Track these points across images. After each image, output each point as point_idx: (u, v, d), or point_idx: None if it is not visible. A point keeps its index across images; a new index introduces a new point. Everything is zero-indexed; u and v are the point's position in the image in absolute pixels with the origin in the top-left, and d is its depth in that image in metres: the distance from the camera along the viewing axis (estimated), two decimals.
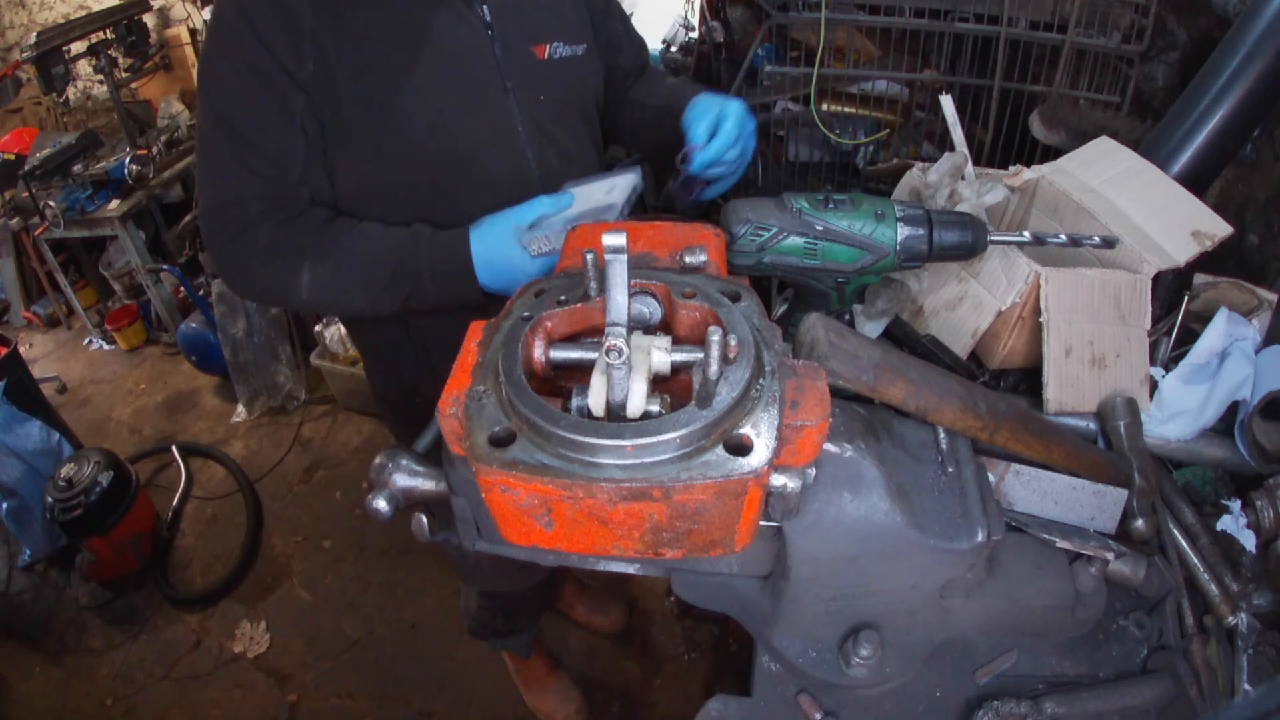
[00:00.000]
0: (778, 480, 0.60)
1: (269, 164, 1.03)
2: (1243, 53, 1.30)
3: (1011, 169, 1.30)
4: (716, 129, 1.11)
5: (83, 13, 4.41)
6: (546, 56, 1.17)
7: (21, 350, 3.06)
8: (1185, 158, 1.35)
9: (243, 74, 1.00)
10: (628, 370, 0.59)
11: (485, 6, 1.11)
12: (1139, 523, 0.95)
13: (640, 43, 1.42)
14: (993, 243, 1.04)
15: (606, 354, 0.57)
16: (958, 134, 1.47)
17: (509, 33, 1.12)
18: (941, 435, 0.82)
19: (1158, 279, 1.11)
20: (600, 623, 2.21)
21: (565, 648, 2.23)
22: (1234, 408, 1.06)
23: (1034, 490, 0.92)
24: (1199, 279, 1.21)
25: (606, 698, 2.10)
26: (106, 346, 3.80)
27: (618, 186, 1.10)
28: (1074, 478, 0.91)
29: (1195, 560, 0.98)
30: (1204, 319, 1.11)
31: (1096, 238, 1.06)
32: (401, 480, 0.75)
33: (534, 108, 1.16)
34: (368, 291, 1.06)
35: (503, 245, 1.01)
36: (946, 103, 1.53)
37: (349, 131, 1.04)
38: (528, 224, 1.02)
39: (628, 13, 1.45)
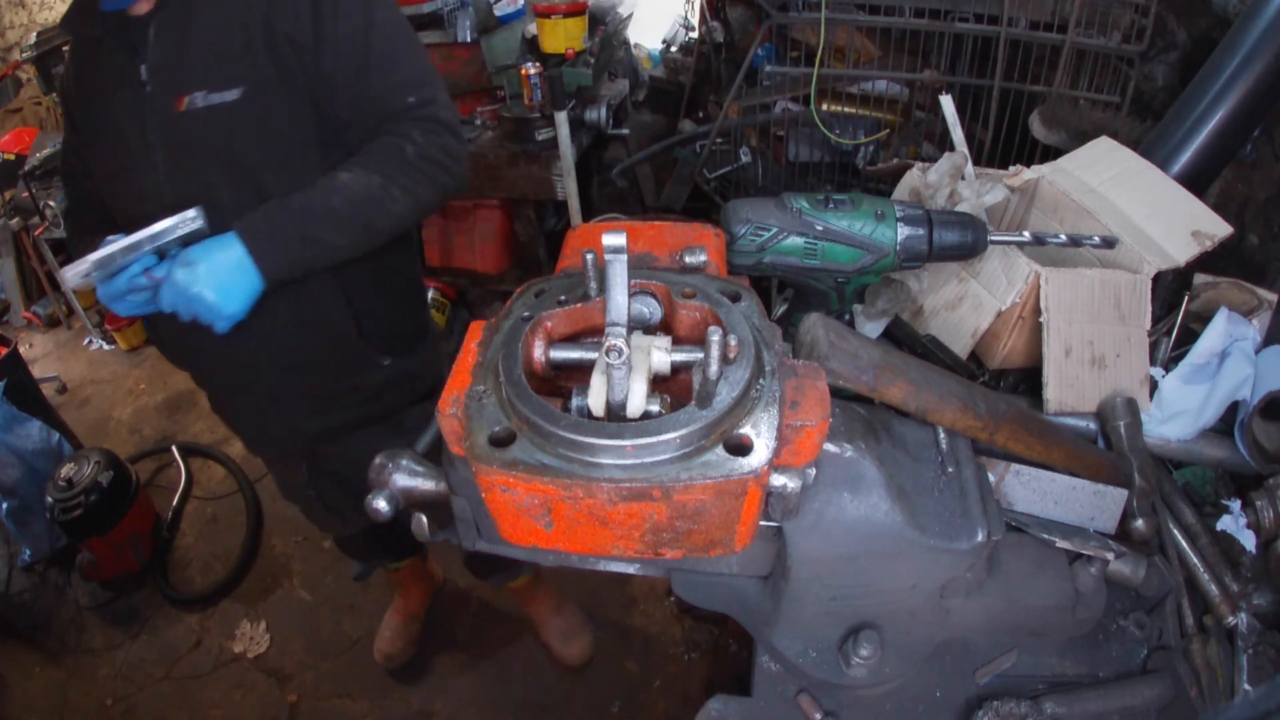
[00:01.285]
0: (778, 480, 0.60)
1: (77, 181, 1.30)
2: (1243, 53, 1.30)
3: (1011, 169, 1.30)
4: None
5: None
6: (185, 108, 1.11)
7: (21, 350, 3.06)
8: (1185, 158, 1.35)
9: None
10: (628, 370, 0.59)
11: (144, 66, 1.12)
12: (1139, 523, 0.95)
13: (384, 96, 1.16)
14: (993, 243, 1.04)
15: (606, 354, 0.57)
16: (958, 134, 1.47)
17: (160, 88, 1.12)
18: (941, 435, 0.82)
19: (1158, 279, 1.11)
20: (561, 654, 2.12)
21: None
22: (1234, 408, 1.06)
23: (1034, 490, 0.92)
24: (1199, 279, 1.21)
25: (606, 698, 2.10)
26: (106, 346, 3.80)
27: (145, 231, 1.06)
28: (1074, 478, 0.91)
29: (1195, 560, 0.98)
30: (1204, 319, 1.11)
31: (1096, 238, 1.06)
32: (401, 480, 0.75)
33: (178, 162, 1.15)
34: None
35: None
36: (946, 103, 1.53)
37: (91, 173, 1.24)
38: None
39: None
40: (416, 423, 1.39)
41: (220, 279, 1.05)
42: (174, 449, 3.02)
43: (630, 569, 0.84)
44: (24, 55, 3.29)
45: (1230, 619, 0.93)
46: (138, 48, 1.13)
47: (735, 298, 0.71)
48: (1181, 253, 1.12)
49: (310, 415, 1.38)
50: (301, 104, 1.14)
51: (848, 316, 1.09)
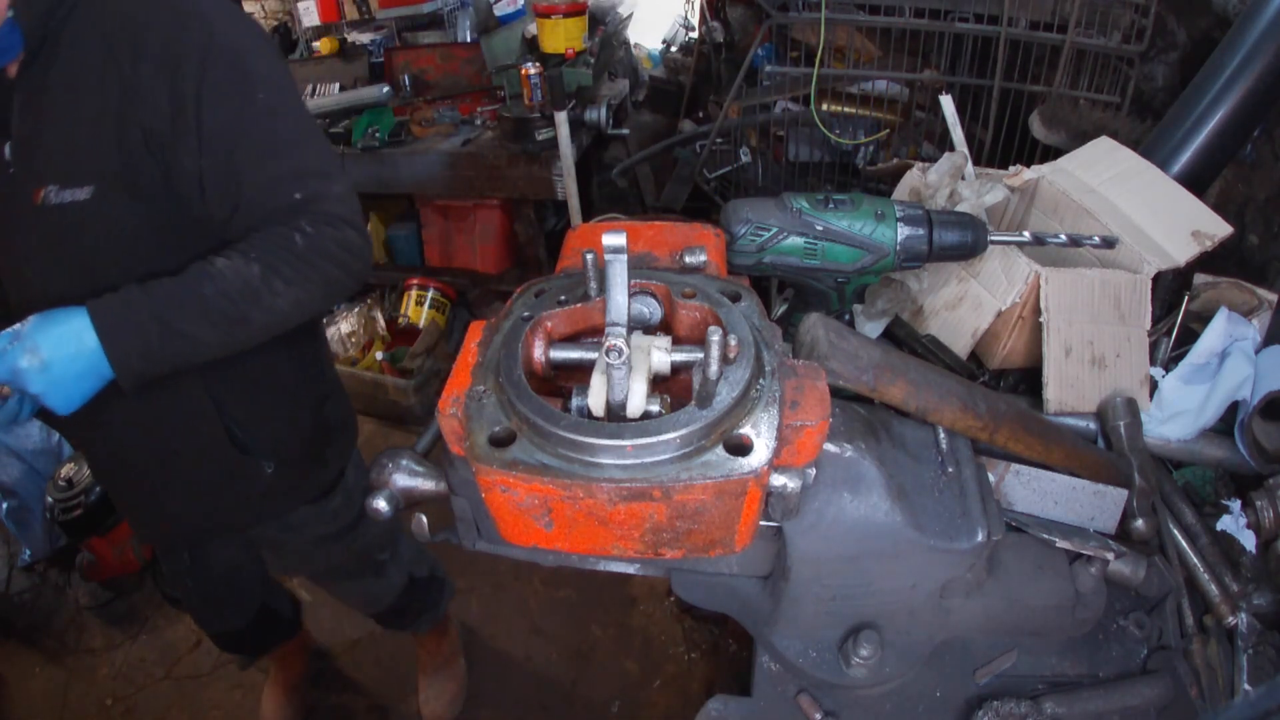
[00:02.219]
0: (778, 480, 0.60)
1: None
2: (1243, 53, 1.30)
3: (1011, 169, 1.30)
4: None
5: None
6: (40, 202, 0.97)
7: None
8: (1185, 158, 1.35)
9: None
10: (628, 370, 0.59)
11: (9, 144, 0.99)
12: (1139, 523, 0.95)
13: (263, 191, 1.00)
14: (993, 243, 1.04)
15: (606, 354, 0.57)
16: (958, 134, 1.47)
17: (20, 172, 0.99)
18: (941, 435, 0.82)
19: (1158, 279, 1.11)
20: (420, 707, 2.05)
21: (565, 646, 2.23)
22: (1234, 408, 1.06)
23: (1034, 490, 0.92)
24: (1199, 279, 1.21)
25: (606, 698, 2.10)
26: None
27: None
28: (1074, 478, 0.91)
29: (1195, 560, 0.98)
30: (1204, 319, 1.11)
31: (1096, 238, 1.06)
32: (401, 480, 0.76)
33: (30, 255, 1.03)
34: None
35: None
36: (946, 103, 1.53)
37: None
38: None
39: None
40: (299, 519, 1.33)
41: (61, 373, 0.92)
42: None
43: (630, 569, 0.84)
44: None
45: (1230, 619, 0.93)
46: (7, 119, 0.99)
47: (735, 298, 0.71)
48: (1181, 253, 1.12)
49: (185, 511, 1.26)
50: (159, 207, 1.01)
51: (848, 316, 1.09)
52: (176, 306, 0.95)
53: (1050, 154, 1.64)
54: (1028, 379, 1.17)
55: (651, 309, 0.72)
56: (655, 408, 0.60)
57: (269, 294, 0.98)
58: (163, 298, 0.96)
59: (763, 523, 0.71)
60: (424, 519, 0.80)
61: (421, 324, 3.06)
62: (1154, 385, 1.08)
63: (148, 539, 1.38)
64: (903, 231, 0.98)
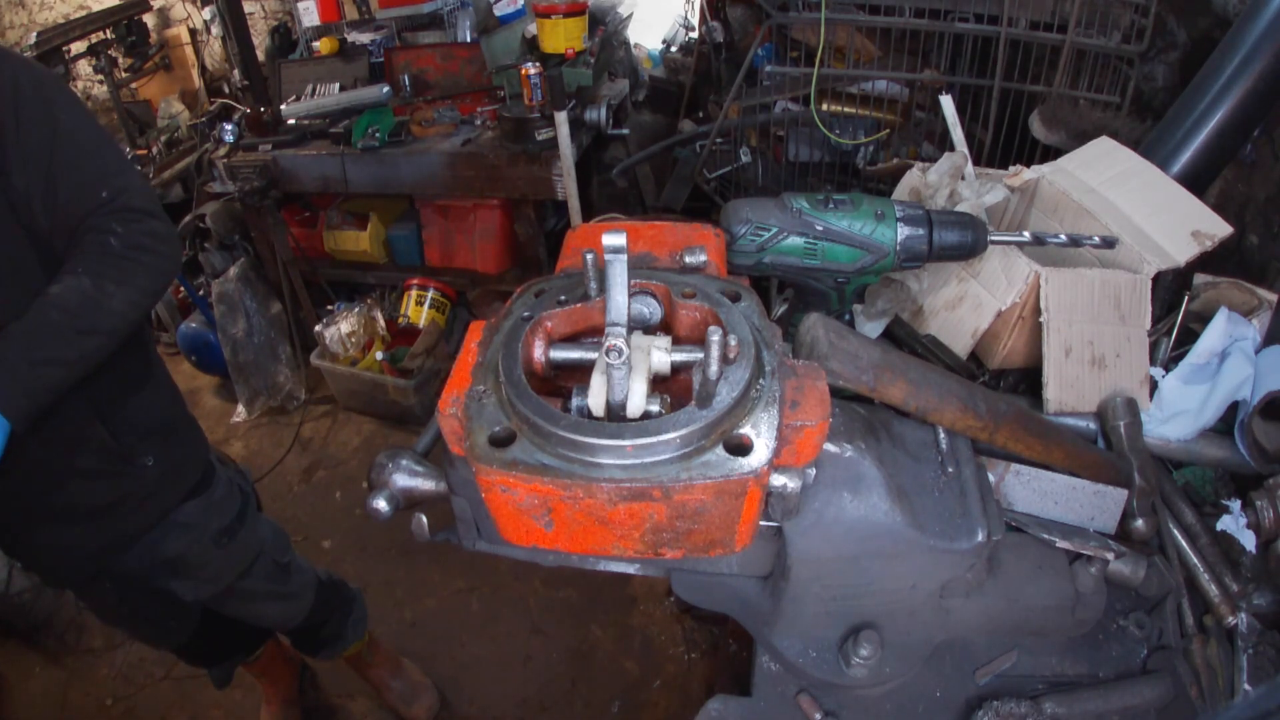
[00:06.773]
0: (778, 480, 0.60)
1: None
2: (1243, 53, 1.30)
3: (1011, 169, 1.30)
4: None
5: (83, 13, 4.40)
6: None
7: None
8: (1185, 158, 1.35)
9: None
10: (628, 370, 0.59)
11: None
12: (1139, 523, 0.95)
13: (76, 198, 1.11)
14: (993, 243, 1.04)
15: (606, 354, 0.57)
16: (958, 134, 1.47)
17: None
18: (941, 435, 0.82)
19: (1158, 279, 1.11)
20: (406, 716, 2.10)
21: (565, 646, 2.23)
22: (1234, 408, 1.06)
23: (1034, 490, 0.92)
24: (1199, 279, 1.21)
25: (606, 698, 2.10)
26: None
27: None
28: (1074, 478, 0.91)
29: (1195, 560, 0.98)
30: (1204, 319, 1.11)
31: (1096, 238, 1.06)
32: (401, 480, 0.76)
33: None
34: None
35: None
36: (946, 103, 1.53)
37: None
38: None
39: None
40: (190, 517, 1.38)
41: None
42: None
43: (630, 569, 0.84)
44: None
45: (1230, 619, 0.93)
46: None
47: (735, 298, 0.71)
48: (1181, 253, 1.12)
49: (87, 532, 1.32)
50: (7, 229, 1.08)
51: (848, 316, 1.09)
52: (33, 342, 1.04)
53: (1050, 154, 1.64)
54: (1028, 379, 1.17)
55: (651, 309, 0.72)
56: (655, 408, 0.60)
57: (105, 298, 1.09)
58: (18, 340, 1.03)
59: (763, 523, 0.71)
60: (424, 519, 0.80)
61: (421, 324, 3.06)
62: (1154, 385, 1.08)
63: (54, 577, 1.43)
64: (903, 231, 0.98)
